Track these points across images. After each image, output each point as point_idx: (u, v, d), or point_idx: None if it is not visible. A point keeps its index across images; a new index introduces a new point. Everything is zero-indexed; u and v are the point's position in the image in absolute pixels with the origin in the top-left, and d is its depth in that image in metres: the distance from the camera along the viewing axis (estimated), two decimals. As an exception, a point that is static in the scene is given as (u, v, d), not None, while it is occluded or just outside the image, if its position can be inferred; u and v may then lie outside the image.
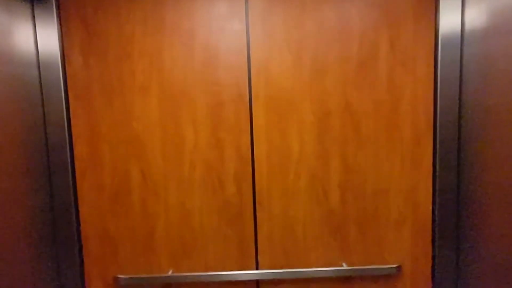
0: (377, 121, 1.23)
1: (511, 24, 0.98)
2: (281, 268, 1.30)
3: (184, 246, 1.29)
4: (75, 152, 1.24)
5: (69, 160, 1.23)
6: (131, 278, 1.28)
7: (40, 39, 1.19)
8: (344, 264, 1.29)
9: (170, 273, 1.29)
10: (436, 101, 1.21)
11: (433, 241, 1.29)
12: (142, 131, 1.23)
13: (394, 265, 1.27)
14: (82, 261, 1.30)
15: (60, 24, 1.22)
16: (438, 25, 1.19)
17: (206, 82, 1.22)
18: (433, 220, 1.28)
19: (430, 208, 1.27)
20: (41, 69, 1.20)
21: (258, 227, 1.27)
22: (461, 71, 1.18)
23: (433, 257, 1.30)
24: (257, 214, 1.27)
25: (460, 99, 1.19)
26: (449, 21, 1.18)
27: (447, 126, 1.21)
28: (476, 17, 1.11)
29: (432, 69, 1.21)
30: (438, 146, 1.22)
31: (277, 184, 1.26)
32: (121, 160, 1.24)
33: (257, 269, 1.30)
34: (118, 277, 1.27)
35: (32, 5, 1.18)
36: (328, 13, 1.21)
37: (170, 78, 1.23)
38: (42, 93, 1.20)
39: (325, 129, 1.23)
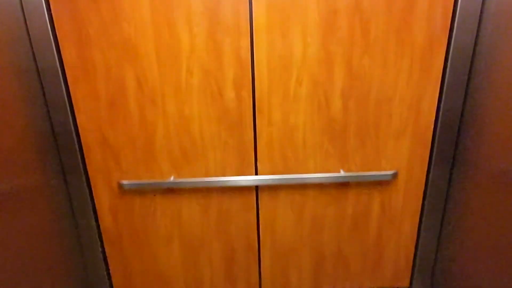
0: (388, 21, 1.08)
1: None
2: (279, 174, 1.26)
3: (184, 153, 1.23)
4: (64, 57, 1.11)
5: (58, 66, 1.10)
6: (134, 183, 1.25)
7: None
8: (341, 171, 1.25)
9: (171, 179, 1.25)
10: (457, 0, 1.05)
11: (431, 150, 1.23)
12: (134, 34, 1.09)
13: (391, 172, 1.23)
14: (86, 170, 1.26)
15: None
16: None
17: (201, -24, 1.05)
18: (434, 130, 1.20)
19: (433, 118, 1.19)
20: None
21: (257, 134, 1.20)
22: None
23: (429, 166, 1.26)
24: (257, 121, 1.19)
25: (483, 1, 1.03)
26: None
27: (465, 30, 1.07)
28: None
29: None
30: (451, 53, 1.09)
31: (278, 91, 1.15)
32: (115, 66, 1.12)
33: (256, 174, 1.27)
34: (121, 183, 1.24)
35: None
36: None
37: (161, -29, 1.05)
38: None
39: (331, 30, 1.09)
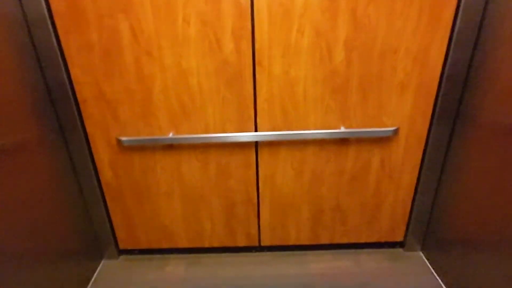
0: (397, -37, 0.98)
1: None
2: (279, 130, 1.21)
3: (183, 108, 1.17)
4: (52, 6, 1.02)
5: (47, 15, 1.01)
6: (133, 139, 1.20)
7: None
8: (342, 127, 1.20)
9: (170, 135, 1.20)
10: None
11: (434, 105, 1.17)
12: (126, -22, 0.99)
13: (392, 128, 1.18)
14: (83, 125, 1.21)
15: None
16: None
17: None
18: (439, 84, 1.14)
19: (439, 70, 1.11)
20: None
21: (257, 88, 1.14)
22: None
23: (431, 122, 1.20)
24: (257, 75, 1.11)
25: None
26: None
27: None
28: None
29: None
30: (463, 2, 1.00)
31: (279, 42, 1.07)
32: (107, 16, 1.03)
33: (256, 131, 1.22)
34: (120, 139, 1.19)
35: None
36: None
37: None
38: None
39: (336, -26, 0.99)
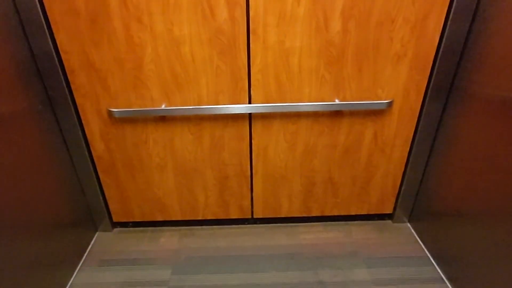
0: None
1: None
2: (273, 102, 1.16)
3: (175, 79, 1.11)
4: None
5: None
6: (125, 111, 1.14)
7: None
8: (336, 100, 1.15)
9: (163, 106, 1.14)
10: None
11: (429, 78, 1.13)
12: None
13: (386, 101, 1.14)
14: (72, 96, 1.14)
15: None
16: None
17: None
18: (435, 56, 1.09)
19: (436, 42, 1.06)
20: None
21: (251, 58, 1.07)
22: None
23: (425, 94, 1.16)
24: (251, 44, 1.05)
25: None
26: None
27: None
28: None
29: None
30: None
31: (274, 9, 1.00)
32: (94, -22, 0.95)
33: (249, 103, 1.16)
34: (111, 110, 1.13)
35: None
36: None
37: None
38: None
39: None
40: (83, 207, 1.36)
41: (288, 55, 1.07)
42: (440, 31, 1.05)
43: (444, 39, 1.05)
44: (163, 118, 1.19)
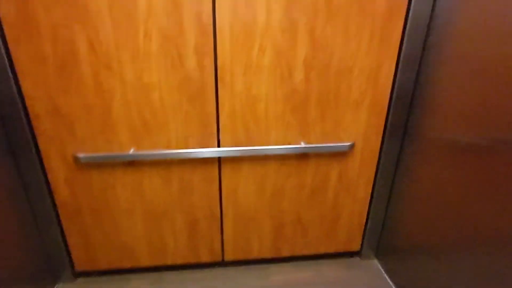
0: (351, -11, 0.96)
1: None
2: (242, 145, 1.13)
3: (145, 123, 1.06)
4: (1, 13, 0.88)
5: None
6: (92, 156, 1.06)
7: None
8: (302, 143, 1.14)
9: (132, 151, 1.08)
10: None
11: (386, 121, 1.15)
12: (83, -11, 0.88)
13: (348, 143, 1.15)
14: (36, 142, 1.05)
15: None
16: None
17: None
18: (389, 102, 1.12)
19: (389, 89, 1.10)
20: None
21: (220, 104, 1.05)
22: None
23: (383, 136, 1.18)
24: (219, 91, 1.03)
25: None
26: None
27: (422, 3, 0.97)
28: None
29: None
30: (408, 25, 1.00)
31: (240, 59, 1.00)
32: (62, 26, 0.91)
33: (218, 146, 1.13)
34: (77, 156, 1.05)
35: None
36: None
37: None
38: None
39: (295, -3, 0.95)
40: (42, 257, 1.21)
41: (255, 102, 1.06)
42: (392, 80, 1.09)
43: (396, 87, 1.09)
44: (131, 163, 1.12)
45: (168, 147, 1.11)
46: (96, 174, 1.13)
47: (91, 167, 1.12)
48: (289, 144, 1.15)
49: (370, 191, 1.29)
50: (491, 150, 0.80)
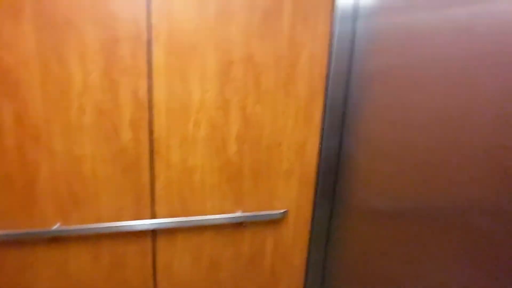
0: (277, 75, 1.06)
1: (393, 4, 0.89)
2: (177, 216, 1.09)
3: (74, 196, 0.98)
4: None
5: None
6: (9, 234, 0.94)
7: None
8: (237, 212, 1.14)
9: (57, 226, 0.98)
10: (330, 62, 1.08)
11: (315, 190, 1.21)
12: (15, 64, 0.86)
13: (281, 211, 1.17)
14: None
15: None
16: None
17: (98, 13, 0.89)
18: (317, 172, 1.19)
19: (316, 161, 1.17)
20: None
21: (155, 176, 1.03)
22: (353, 40, 1.07)
23: (314, 204, 1.22)
24: (155, 163, 1.02)
25: (350, 64, 1.09)
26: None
27: (337, 86, 1.10)
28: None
29: (329, 33, 1.07)
30: (328, 105, 1.11)
31: (176, 133, 1.01)
32: (-11, 99, 0.86)
33: (153, 218, 1.07)
34: (-9, 233, 0.92)
35: None
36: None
37: (51, 2, 0.86)
38: None
39: (227, 79, 1.02)
40: None
41: (191, 173, 1.06)
42: (317, 153, 1.17)
43: (321, 159, 1.16)
44: (55, 239, 1.01)
45: (99, 221, 1.02)
46: (13, 253, 0.98)
47: (8, 245, 0.98)
48: (225, 213, 1.14)
49: (305, 258, 1.29)
50: (406, 216, 0.87)
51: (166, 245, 1.11)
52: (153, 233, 1.09)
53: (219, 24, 0.98)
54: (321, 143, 1.15)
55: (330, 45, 1.08)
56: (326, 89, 1.10)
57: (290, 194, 1.18)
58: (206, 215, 1.11)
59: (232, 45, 1.00)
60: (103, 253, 1.06)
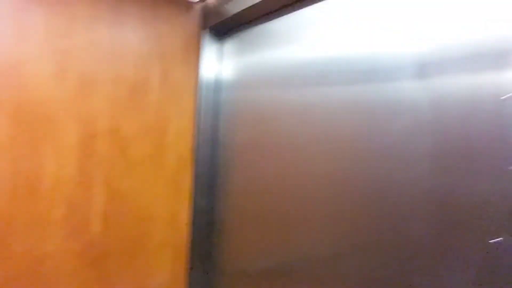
0: (146, 147, 1.03)
1: (252, 81, 1.03)
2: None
3: None
4: None
5: None
6: None
7: None
8: (106, 297, 0.97)
9: None
10: (198, 133, 1.12)
11: (191, 260, 1.15)
12: None
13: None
14: None
15: None
16: (201, 71, 1.14)
17: None
18: (192, 241, 1.14)
19: (187, 231, 1.13)
20: None
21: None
22: (217, 112, 1.16)
23: (190, 278, 1.15)
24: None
25: (216, 134, 1.16)
26: (209, 70, 1.15)
27: (204, 158, 1.14)
28: (229, 71, 1.13)
29: (194, 107, 1.13)
30: (196, 173, 1.13)
31: (24, 214, 0.84)
32: None
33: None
34: None
35: None
36: (102, 30, 0.95)
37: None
38: None
39: (89, 153, 0.93)
40: None
41: (42, 261, 0.85)
42: (190, 223, 1.13)
43: (193, 230, 1.13)
44: None
45: None
46: None
47: None
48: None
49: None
50: (275, 276, 0.92)
51: None
52: None
53: (81, 96, 0.92)
54: (193, 212, 1.14)
55: (196, 117, 1.13)
56: (194, 159, 1.13)
57: (164, 270, 1.09)
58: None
59: (96, 118, 0.94)
60: None
